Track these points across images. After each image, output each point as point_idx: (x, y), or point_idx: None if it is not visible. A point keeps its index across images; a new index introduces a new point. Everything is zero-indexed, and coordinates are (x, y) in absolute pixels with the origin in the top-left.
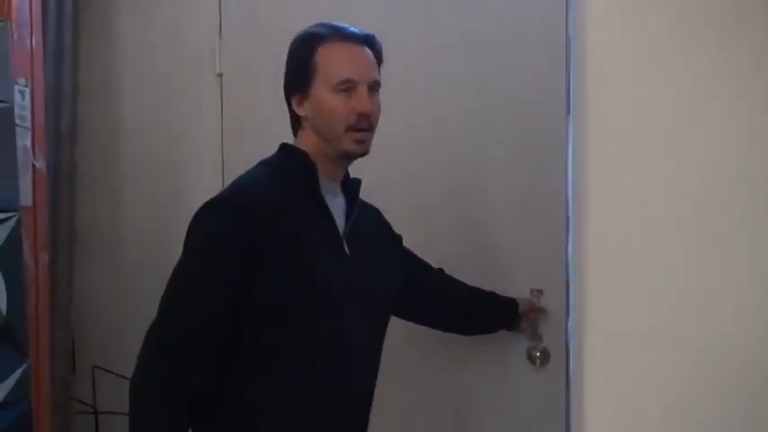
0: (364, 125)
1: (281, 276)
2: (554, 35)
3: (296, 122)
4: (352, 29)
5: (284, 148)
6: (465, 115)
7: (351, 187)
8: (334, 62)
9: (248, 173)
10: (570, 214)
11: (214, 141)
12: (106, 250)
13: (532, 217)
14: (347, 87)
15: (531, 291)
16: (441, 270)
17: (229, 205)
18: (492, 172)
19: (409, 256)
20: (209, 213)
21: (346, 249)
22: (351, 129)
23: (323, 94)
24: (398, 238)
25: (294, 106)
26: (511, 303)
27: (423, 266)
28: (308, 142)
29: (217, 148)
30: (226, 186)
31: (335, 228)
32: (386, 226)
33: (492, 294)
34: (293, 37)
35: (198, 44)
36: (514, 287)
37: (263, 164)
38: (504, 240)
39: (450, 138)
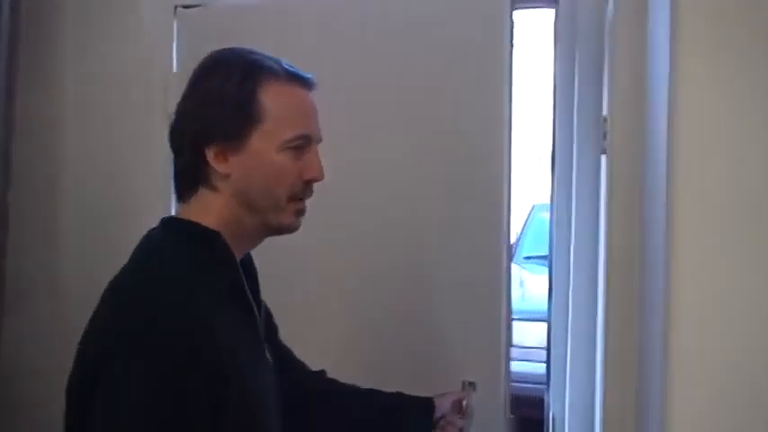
0: (308, 194)
1: (238, 411)
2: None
3: (197, 182)
4: (297, 69)
5: (188, 227)
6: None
7: (248, 265)
8: (288, 110)
9: (160, 265)
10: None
11: (164, 187)
12: (37, 303)
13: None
14: (298, 145)
15: (463, 383)
16: (322, 372)
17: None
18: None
19: (284, 350)
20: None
21: (269, 356)
22: (293, 198)
23: (266, 150)
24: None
25: (210, 159)
26: (421, 407)
27: (299, 365)
28: (219, 214)
29: (166, 195)
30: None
31: (257, 329)
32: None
33: (395, 396)
34: (211, 57)
35: (148, 82)
36: (444, 377)
37: (162, 250)
38: (435, 316)
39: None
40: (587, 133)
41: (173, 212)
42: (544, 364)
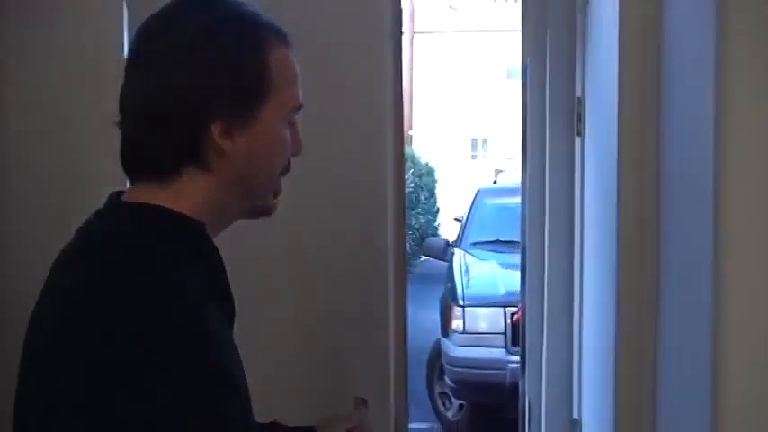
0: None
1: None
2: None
3: (185, 161)
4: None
5: (170, 219)
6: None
7: None
8: (291, 77)
9: (152, 274)
10: None
11: (118, 181)
12: None
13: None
14: (292, 117)
15: (356, 400)
16: None
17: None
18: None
19: None
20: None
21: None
22: (280, 176)
23: (274, 123)
24: None
25: (216, 136)
26: None
27: None
28: (204, 198)
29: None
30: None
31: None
32: None
33: (270, 428)
34: (205, 17)
35: (97, 70)
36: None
37: (142, 250)
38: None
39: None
40: (560, 116)
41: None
42: (495, 349)
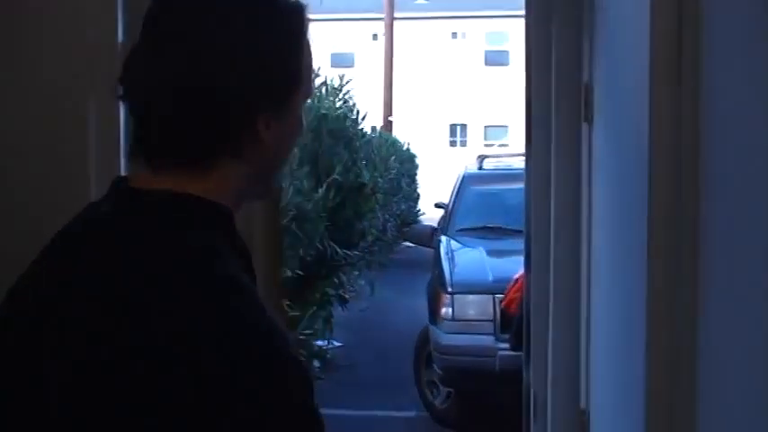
0: None
1: None
2: None
3: (223, 151)
4: None
5: (214, 210)
6: None
7: None
8: (310, 60)
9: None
10: None
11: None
12: None
13: None
14: None
15: None
16: None
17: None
18: None
19: None
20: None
21: None
22: None
23: (300, 111)
24: None
25: (261, 128)
26: None
27: None
28: (228, 187)
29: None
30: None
31: None
32: None
33: None
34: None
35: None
36: None
37: (204, 251)
38: None
39: None
40: (566, 101)
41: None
42: (484, 336)
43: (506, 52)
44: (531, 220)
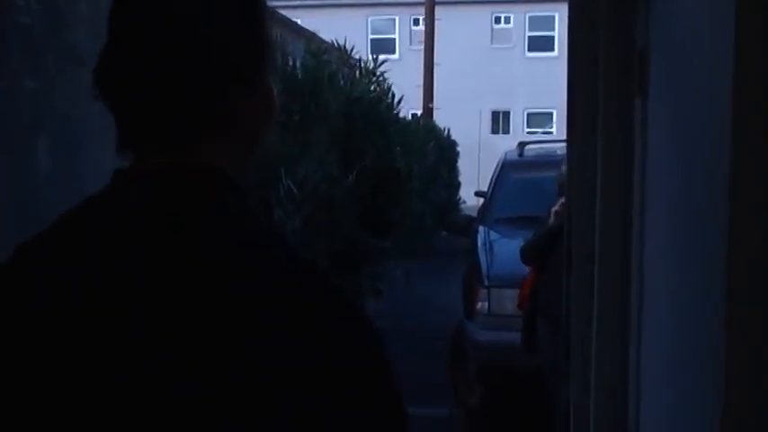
0: None
1: None
2: None
3: (203, 124)
4: None
5: (230, 178)
6: None
7: None
8: (272, 32)
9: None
10: None
11: None
12: None
13: None
14: None
15: None
16: None
17: None
18: None
19: None
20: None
21: None
22: None
23: (270, 82)
24: None
25: (237, 103)
26: None
27: None
28: (222, 163)
29: None
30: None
31: None
32: None
33: None
34: None
35: None
36: None
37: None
38: None
39: None
40: (616, 72)
41: None
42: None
43: (551, 38)
44: (572, 211)
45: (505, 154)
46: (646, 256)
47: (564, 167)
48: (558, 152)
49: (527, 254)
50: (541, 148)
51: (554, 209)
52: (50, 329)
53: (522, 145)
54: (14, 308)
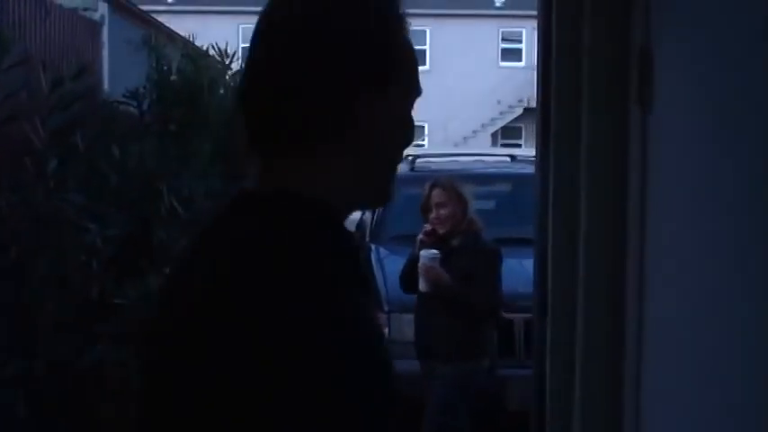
0: None
1: None
2: None
3: (320, 133)
4: None
5: (314, 209)
6: None
7: None
8: (415, 62)
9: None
10: None
11: None
12: None
13: None
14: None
15: None
16: None
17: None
18: None
19: None
20: None
21: None
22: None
23: (404, 106)
24: None
25: (360, 113)
26: None
27: None
28: (333, 180)
29: None
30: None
31: None
32: None
33: None
34: None
35: None
36: None
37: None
38: None
39: None
40: (606, 75)
41: None
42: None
43: (423, 51)
44: (547, 233)
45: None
46: (651, 292)
47: (427, 187)
48: (452, 166)
49: (402, 285)
50: (430, 161)
51: (419, 237)
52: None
53: (412, 159)
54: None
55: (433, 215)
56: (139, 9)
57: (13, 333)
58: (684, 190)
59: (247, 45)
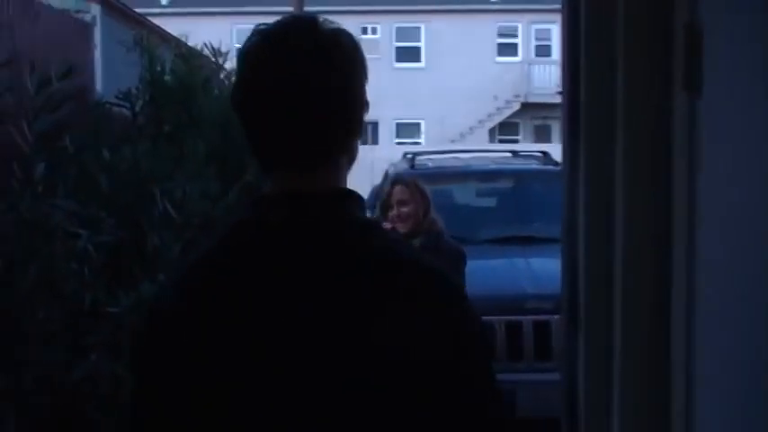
0: None
1: None
2: None
3: (341, 150)
4: None
5: (357, 201)
6: None
7: None
8: None
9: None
10: None
11: None
12: None
13: None
14: None
15: None
16: None
17: None
18: None
19: None
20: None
21: None
22: None
23: None
24: None
25: (353, 139)
26: None
27: None
28: (341, 182)
29: None
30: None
31: None
32: None
33: None
34: (349, 36)
35: None
36: None
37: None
38: None
39: None
40: (644, 60)
41: None
42: None
43: (418, 48)
44: (576, 233)
45: (393, 166)
46: (699, 299)
47: (388, 184)
48: (452, 163)
49: None
50: (430, 159)
51: None
52: (241, 331)
53: (411, 156)
54: (209, 313)
55: (393, 212)
56: (132, 11)
57: (2, 344)
58: (740, 189)
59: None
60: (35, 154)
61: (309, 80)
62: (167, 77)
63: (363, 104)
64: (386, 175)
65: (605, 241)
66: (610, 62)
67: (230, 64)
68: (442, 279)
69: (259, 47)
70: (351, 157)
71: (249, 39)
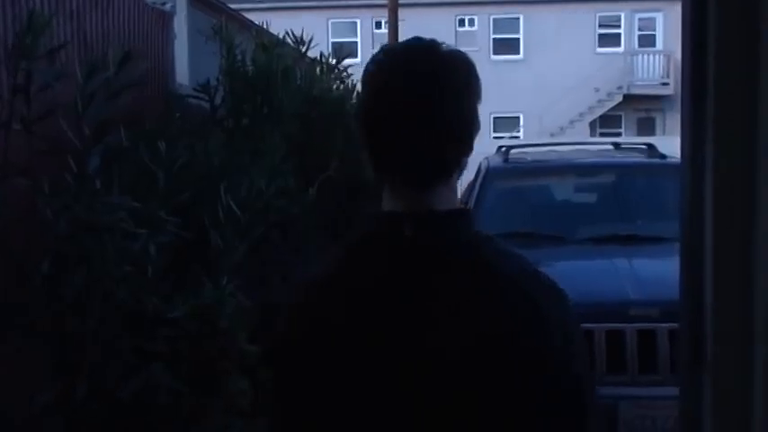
0: None
1: None
2: None
3: (455, 170)
4: None
5: (471, 218)
6: None
7: None
8: None
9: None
10: None
11: None
12: None
13: None
14: None
15: None
16: None
17: None
18: None
19: None
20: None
21: None
22: None
23: None
24: None
25: (465, 156)
26: None
27: None
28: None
29: None
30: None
31: None
32: None
33: None
34: (466, 59)
35: None
36: None
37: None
38: None
39: None
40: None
41: None
42: None
43: (516, 40)
44: (703, 235)
45: (487, 160)
46: None
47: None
48: (549, 156)
49: None
50: (525, 152)
51: None
52: (364, 346)
53: (505, 149)
54: (329, 329)
55: None
56: (220, 2)
57: (55, 353)
58: None
59: (337, 40)
60: (89, 148)
61: (430, 101)
62: (250, 67)
63: (477, 124)
64: (479, 169)
65: (741, 245)
66: (749, 48)
67: (312, 52)
68: (561, 294)
69: (384, 68)
70: (461, 171)
71: (375, 57)
